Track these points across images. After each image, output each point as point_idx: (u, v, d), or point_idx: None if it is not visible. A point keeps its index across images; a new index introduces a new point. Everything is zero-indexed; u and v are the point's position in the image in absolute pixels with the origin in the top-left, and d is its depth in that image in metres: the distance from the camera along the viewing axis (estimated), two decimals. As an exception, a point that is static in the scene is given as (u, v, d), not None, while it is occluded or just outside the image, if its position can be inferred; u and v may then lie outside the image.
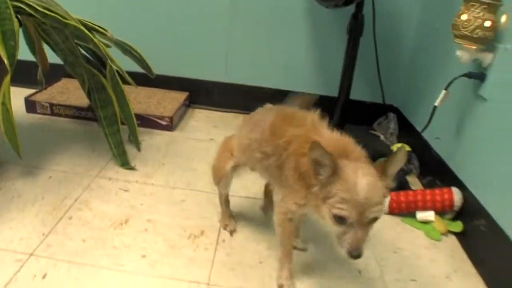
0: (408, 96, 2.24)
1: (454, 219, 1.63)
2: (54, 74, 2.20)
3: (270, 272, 1.32)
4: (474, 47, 1.51)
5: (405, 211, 1.68)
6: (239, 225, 1.53)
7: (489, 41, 1.49)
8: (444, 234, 1.59)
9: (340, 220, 0.99)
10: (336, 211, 0.98)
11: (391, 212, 1.68)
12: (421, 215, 1.65)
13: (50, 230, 1.40)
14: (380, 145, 1.98)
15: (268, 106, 1.37)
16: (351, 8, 1.95)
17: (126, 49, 1.87)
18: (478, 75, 1.56)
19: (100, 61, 1.81)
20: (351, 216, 0.97)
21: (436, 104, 1.65)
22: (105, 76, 1.73)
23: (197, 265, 1.33)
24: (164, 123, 2.12)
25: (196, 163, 1.90)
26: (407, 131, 2.10)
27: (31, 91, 2.28)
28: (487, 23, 1.46)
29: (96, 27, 1.69)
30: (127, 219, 1.50)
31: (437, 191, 1.65)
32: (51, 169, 1.72)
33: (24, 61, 1.71)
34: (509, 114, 1.40)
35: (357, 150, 1.08)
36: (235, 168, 1.39)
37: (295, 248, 1.38)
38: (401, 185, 1.74)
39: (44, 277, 1.22)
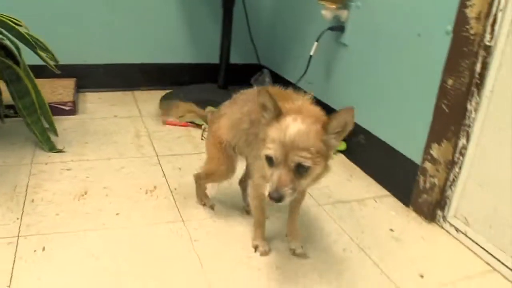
0: (280, 54, 2.66)
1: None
2: None
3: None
4: (334, 6, 1.96)
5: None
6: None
7: (344, 0, 1.95)
8: (334, 153, 2.06)
9: (269, 161, 1.06)
10: (266, 152, 1.06)
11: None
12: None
13: (21, 214, 1.50)
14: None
15: (258, 87, 1.44)
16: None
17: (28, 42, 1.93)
18: (338, 27, 2.02)
19: (7, 53, 1.85)
20: (275, 155, 1.04)
21: (311, 53, 2.08)
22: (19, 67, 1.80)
23: (164, 210, 1.58)
24: (67, 108, 2.22)
25: (114, 137, 2.08)
26: (283, 84, 2.52)
27: None
28: (342, -13, 1.92)
29: (10, 19, 1.74)
30: (85, 190, 1.66)
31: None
32: (-19, 166, 1.77)
33: None
34: (362, 53, 1.93)
35: (314, 111, 1.15)
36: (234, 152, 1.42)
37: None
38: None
39: (43, 249, 1.35)
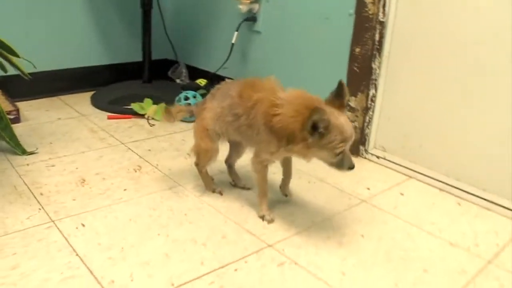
0: (196, 48, 2.99)
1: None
2: None
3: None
4: (248, 1, 2.39)
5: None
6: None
7: (257, -4, 2.40)
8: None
9: (339, 154, 1.37)
10: (339, 150, 1.35)
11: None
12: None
13: (40, 206, 1.66)
14: (189, 85, 2.71)
15: (229, 80, 1.75)
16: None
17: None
18: (252, 18, 2.46)
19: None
20: (346, 148, 1.37)
21: (233, 42, 2.49)
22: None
23: (161, 180, 1.88)
24: (12, 116, 2.31)
25: (73, 135, 2.25)
26: (202, 75, 2.87)
27: None
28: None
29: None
30: (82, 178, 1.87)
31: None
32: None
33: None
34: (272, 38, 2.41)
35: (315, 97, 1.43)
36: (218, 137, 1.64)
37: (241, 187, 1.83)
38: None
39: (83, 225, 1.56)
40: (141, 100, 2.50)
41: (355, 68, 2.10)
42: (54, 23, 2.68)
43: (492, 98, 1.73)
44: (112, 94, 2.65)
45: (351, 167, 1.40)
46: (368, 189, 1.91)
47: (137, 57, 2.76)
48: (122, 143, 2.19)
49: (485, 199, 1.77)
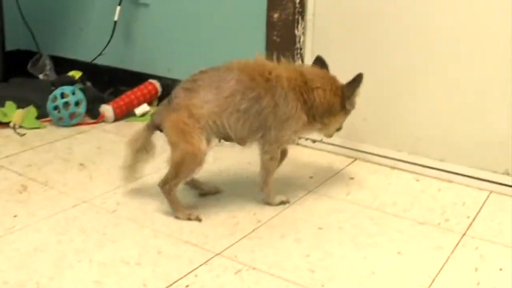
0: (63, 34, 3.00)
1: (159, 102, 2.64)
2: None
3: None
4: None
5: (127, 113, 2.58)
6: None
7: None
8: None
9: None
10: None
11: (117, 118, 2.56)
12: (139, 110, 2.60)
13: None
14: (60, 80, 2.72)
15: (204, 69, 1.80)
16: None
17: None
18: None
19: None
20: None
21: (115, 19, 2.57)
22: None
23: (59, 198, 1.90)
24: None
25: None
26: (73, 67, 2.88)
27: None
28: None
29: None
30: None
31: (141, 86, 2.63)
32: None
33: None
34: (164, 10, 2.56)
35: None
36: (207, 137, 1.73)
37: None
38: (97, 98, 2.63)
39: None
40: (2, 105, 2.48)
41: (275, 38, 2.29)
42: None
43: (440, 56, 2.00)
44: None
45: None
46: (311, 177, 2.09)
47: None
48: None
49: (444, 171, 2.04)
